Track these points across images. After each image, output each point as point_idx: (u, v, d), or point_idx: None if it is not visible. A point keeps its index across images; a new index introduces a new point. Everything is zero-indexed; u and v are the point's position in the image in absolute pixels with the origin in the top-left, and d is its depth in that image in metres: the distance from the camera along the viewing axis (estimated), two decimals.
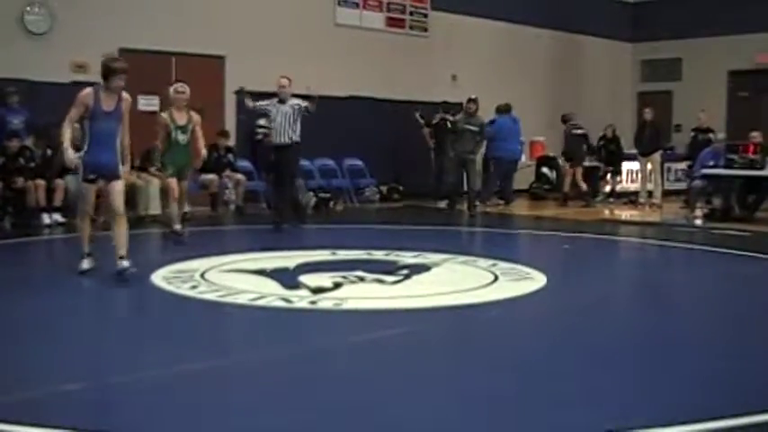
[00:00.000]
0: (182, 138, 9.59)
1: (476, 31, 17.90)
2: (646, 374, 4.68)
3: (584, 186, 16.02)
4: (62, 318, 5.94)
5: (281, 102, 10.98)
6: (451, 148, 14.52)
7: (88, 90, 7.26)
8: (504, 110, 15.81)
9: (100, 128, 7.17)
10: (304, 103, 10.97)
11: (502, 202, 15.54)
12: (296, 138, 10.95)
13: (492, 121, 15.60)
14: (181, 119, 9.64)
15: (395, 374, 4.67)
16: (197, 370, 4.59)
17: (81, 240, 7.50)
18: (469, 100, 14.39)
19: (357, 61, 15.82)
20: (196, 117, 9.79)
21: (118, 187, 7.29)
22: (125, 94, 7.34)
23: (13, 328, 5.59)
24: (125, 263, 7.00)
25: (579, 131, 16.39)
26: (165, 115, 9.75)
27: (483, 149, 15.41)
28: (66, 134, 7.22)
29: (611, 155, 16.88)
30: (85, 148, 7.18)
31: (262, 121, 14.42)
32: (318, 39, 15.34)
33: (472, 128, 14.24)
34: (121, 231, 7.18)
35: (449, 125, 15.25)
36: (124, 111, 7.33)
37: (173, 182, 9.64)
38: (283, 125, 10.91)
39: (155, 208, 12.10)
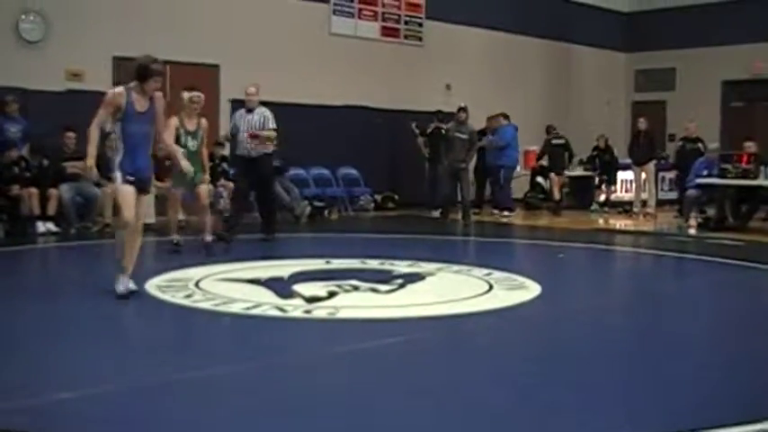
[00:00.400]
0: (191, 144, 9.47)
1: (470, 41, 17.95)
2: (642, 383, 4.67)
3: (557, 195, 16.10)
4: (55, 327, 5.91)
5: (249, 111, 10.44)
6: (444, 157, 14.52)
7: (120, 89, 6.74)
8: (507, 118, 15.83)
9: (133, 130, 6.69)
10: (271, 116, 10.41)
11: (507, 212, 15.33)
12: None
13: (495, 131, 15.63)
14: (191, 125, 9.53)
15: (390, 384, 4.66)
16: (191, 379, 4.57)
17: (119, 254, 6.90)
18: (460, 108, 14.40)
19: (352, 70, 15.85)
20: (205, 123, 9.68)
21: (147, 199, 7.00)
22: (158, 93, 6.93)
23: (3, 336, 5.57)
24: (131, 284, 6.80)
25: (559, 141, 16.49)
26: (175, 120, 9.44)
27: (475, 157, 15.41)
28: (94, 139, 6.66)
29: (606, 164, 16.92)
30: (120, 153, 6.72)
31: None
32: (313, 48, 15.36)
33: (462, 135, 14.25)
34: (135, 246, 6.89)
35: (443, 134, 15.27)
36: (159, 111, 6.91)
37: (176, 192, 9.60)
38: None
39: (148, 216, 12.09)
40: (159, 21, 13.36)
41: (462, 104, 14.49)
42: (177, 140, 9.31)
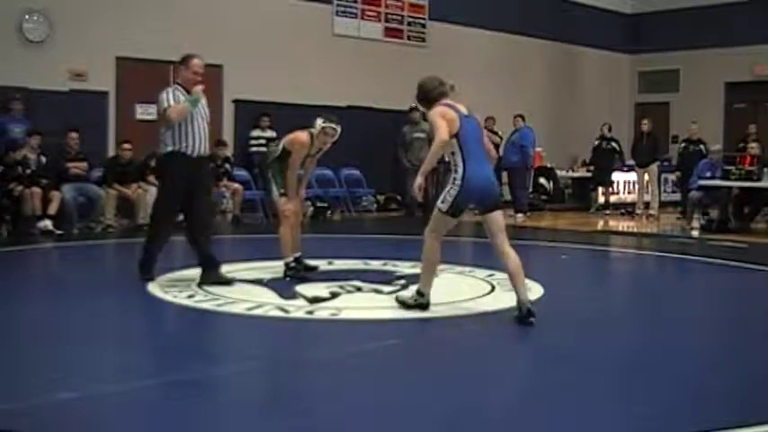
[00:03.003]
0: None
1: (474, 42, 17.94)
2: (643, 386, 4.65)
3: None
4: (54, 327, 5.91)
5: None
6: (405, 159, 14.57)
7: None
8: (523, 119, 15.87)
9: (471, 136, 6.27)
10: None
11: (520, 215, 15.22)
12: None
13: (515, 130, 15.69)
14: None
15: (391, 385, 4.65)
16: (192, 380, 4.56)
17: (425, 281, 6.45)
18: (411, 108, 14.50)
19: (355, 71, 15.85)
20: None
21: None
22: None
23: (4, 337, 5.56)
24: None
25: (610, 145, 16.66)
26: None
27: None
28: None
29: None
30: (460, 169, 6.16)
31: (255, 133, 14.46)
32: (317, 48, 15.36)
33: (420, 135, 14.37)
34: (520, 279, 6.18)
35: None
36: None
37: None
38: (200, 130, 7.45)
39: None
40: (162, 21, 13.37)
41: (413, 104, 14.57)
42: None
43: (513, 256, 6.17)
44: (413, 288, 6.63)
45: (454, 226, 6.45)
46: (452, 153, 6.17)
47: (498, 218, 6.25)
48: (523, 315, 5.99)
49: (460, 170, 6.10)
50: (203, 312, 6.38)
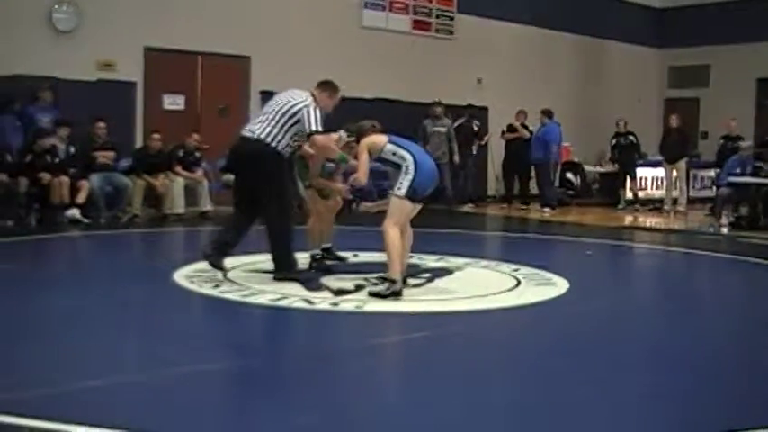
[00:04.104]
0: None
1: (501, 35, 17.84)
2: (669, 383, 4.63)
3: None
4: (83, 315, 5.96)
5: None
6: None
7: None
8: (550, 115, 15.80)
9: None
10: None
11: (548, 209, 15.31)
12: None
13: (542, 125, 15.64)
14: None
15: (415, 378, 4.65)
16: (217, 370, 4.59)
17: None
18: (434, 102, 14.59)
19: (383, 64, 15.82)
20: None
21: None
22: None
23: (30, 326, 5.61)
24: None
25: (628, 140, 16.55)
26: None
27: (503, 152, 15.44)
28: None
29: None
30: (408, 157, 6.80)
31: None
32: (345, 41, 15.35)
33: (440, 129, 14.43)
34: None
35: (474, 128, 15.49)
36: None
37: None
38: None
39: (179, 207, 12.19)
40: (191, 12, 13.41)
41: (437, 99, 14.64)
42: None
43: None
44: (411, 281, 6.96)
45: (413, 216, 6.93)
46: (393, 154, 6.77)
47: (417, 209, 6.89)
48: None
49: (409, 158, 6.68)
50: (228, 303, 6.40)
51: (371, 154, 6.83)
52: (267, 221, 7.14)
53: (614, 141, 16.79)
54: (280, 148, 7.00)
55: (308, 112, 6.97)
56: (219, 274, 7.26)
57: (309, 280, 7.10)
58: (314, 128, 6.94)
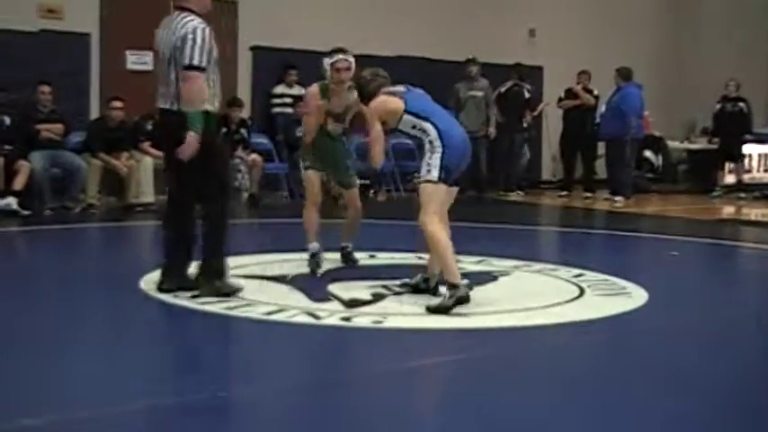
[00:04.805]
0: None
1: None
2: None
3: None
4: (23, 334, 5.97)
5: None
6: None
7: None
8: (628, 76, 15.51)
9: None
10: None
11: (620, 197, 15.23)
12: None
13: (618, 90, 15.41)
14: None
15: (449, 413, 4.67)
16: (199, 401, 4.62)
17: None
18: (468, 60, 14.51)
19: (405, 12, 15.81)
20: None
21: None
22: None
23: None
24: None
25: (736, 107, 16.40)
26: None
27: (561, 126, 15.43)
28: None
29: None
30: (432, 131, 6.81)
31: (278, 89, 14.53)
32: None
33: (477, 94, 14.40)
34: None
35: (526, 95, 15.47)
36: None
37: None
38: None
39: (147, 194, 12.23)
40: None
41: (471, 56, 14.54)
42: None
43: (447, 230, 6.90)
44: (443, 290, 6.74)
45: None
46: (413, 127, 6.82)
47: (453, 194, 7.00)
48: (431, 287, 7.02)
49: (433, 131, 6.70)
50: (210, 317, 6.45)
51: (386, 124, 6.85)
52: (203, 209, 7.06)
53: (719, 107, 16.67)
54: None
55: (193, 39, 6.64)
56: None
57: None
58: (188, 61, 6.61)
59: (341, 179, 8.42)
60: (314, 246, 8.06)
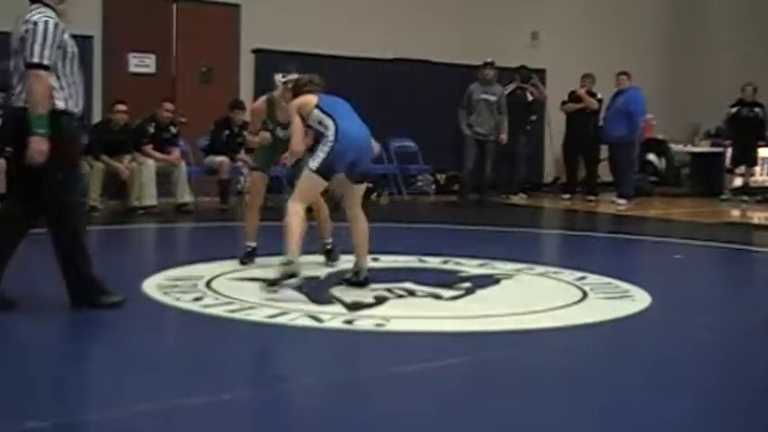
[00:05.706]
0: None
1: None
2: None
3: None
4: (30, 340, 6.01)
5: None
6: (466, 126, 14.59)
7: None
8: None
9: None
10: None
11: (623, 200, 15.29)
12: None
13: (619, 92, 15.50)
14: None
15: (449, 414, 4.68)
16: (199, 405, 4.63)
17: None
18: (485, 64, 14.54)
19: (405, 14, 15.80)
20: None
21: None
22: None
23: None
24: None
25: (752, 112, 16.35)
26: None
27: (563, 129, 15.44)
28: None
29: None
30: (332, 127, 7.25)
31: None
32: None
33: (490, 98, 14.39)
34: None
35: (528, 98, 15.48)
36: None
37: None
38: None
39: (149, 197, 12.26)
40: None
41: (489, 59, 14.55)
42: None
43: (364, 223, 7.59)
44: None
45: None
46: (319, 123, 7.25)
47: (360, 191, 7.59)
48: (360, 280, 7.44)
49: (332, 128, 7.13)
50: (213, 320, 6.45)
51: (304, 118, 7.29)
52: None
53: (733, 111, 16.66)
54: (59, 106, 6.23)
55: (34, 33, 6.11)
56: (201, 284, 7.33)
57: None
58: (29, 58, 6.09)
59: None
60: (250, 244, 8.51)
